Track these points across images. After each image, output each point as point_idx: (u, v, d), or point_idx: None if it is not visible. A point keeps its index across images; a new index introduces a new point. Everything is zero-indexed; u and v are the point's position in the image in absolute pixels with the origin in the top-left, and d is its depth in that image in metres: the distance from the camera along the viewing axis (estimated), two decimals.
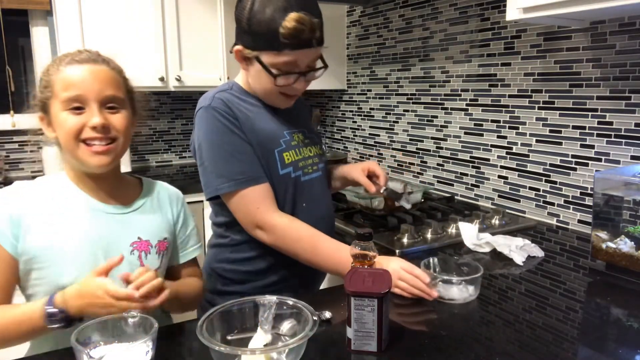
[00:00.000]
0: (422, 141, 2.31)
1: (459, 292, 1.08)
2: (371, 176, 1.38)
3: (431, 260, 1.14)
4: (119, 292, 0.85)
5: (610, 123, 1.55)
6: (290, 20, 1.06)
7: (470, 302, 1.09)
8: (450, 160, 2.16)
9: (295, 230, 1.17)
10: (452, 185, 2.16)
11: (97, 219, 0.99)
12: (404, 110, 2.40)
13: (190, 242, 1.15)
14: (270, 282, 1.27)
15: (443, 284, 1.10)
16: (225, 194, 1.17)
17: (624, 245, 1.24)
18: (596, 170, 1.57)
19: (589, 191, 1.63)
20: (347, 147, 2.89)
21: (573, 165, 1.67)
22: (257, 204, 1.15)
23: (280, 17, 1.06)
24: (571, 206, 1.69)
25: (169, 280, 1.13)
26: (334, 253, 1.15)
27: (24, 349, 0.98)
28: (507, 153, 1.90)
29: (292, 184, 1.23)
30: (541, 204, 1.79)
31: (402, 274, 1.08)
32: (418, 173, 2.35)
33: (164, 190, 1.14)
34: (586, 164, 1.63)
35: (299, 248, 1.16)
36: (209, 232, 1.37)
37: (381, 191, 1.38)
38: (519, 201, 1.87)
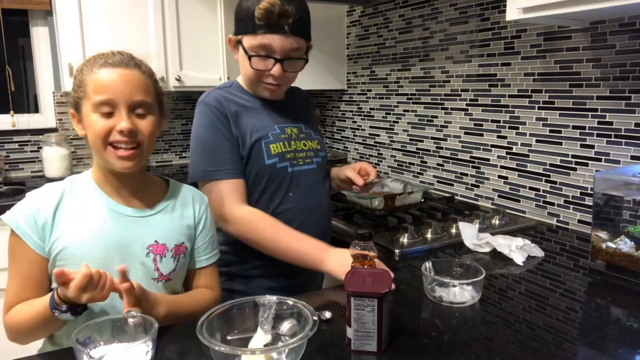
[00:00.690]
0: (422, 141, 2.31)
1: (460, 295, 1.08)
2: (363, 175, 1.44)
3: (427, 264, 1.13)
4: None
5: (610, 123, 1.55)
6: (263, 2, 1.17)
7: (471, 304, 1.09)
8: (450, 160, 2.16)
9: (257, 220, 1.24)
10: (452, 185, 2.16)
11: (115, 221, 1.00)
12: (404, 110, 2.40)
13: (207, 249, 1.14)
14: (256, 265, 1.32)
15: (444, 288, 1.09)
16: (200, 183, 1.26)
17: (624, 245, 1.24)
18: (596, 170, 1.57)
19: (589, 191, 1.63)
20: (347, 147, 2.89)
21: (573, 165, 1.67)
22: (223, 197, 1.24)
23: (258, 2, 1.18)
24: (571, 206, 1.69)
25: (185, 285, 1.14)
26: (294, 241, 1.22)
27: (24, 349, 0.98)
28: (507, 153, 1.90)
29: (277, 174, 1.30)
30: (541, 204, 1.79)
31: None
32: (418, 173, 2.35)
33: (189, 192, 1.14)
34: (586, 164, 1.63)
35: (260, 237, 1.24)
36: None
37: (367, 182, 1.42)
38: (519, 201, 1.87)
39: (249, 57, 1.23)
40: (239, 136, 1.28)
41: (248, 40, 1.23)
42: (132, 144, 0.97)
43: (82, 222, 0.98)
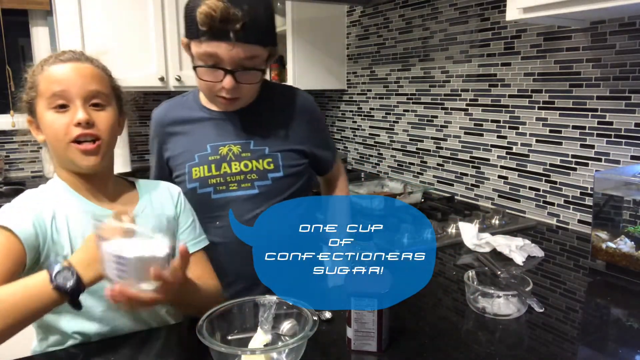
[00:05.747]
0: (422, 141, 2.31)
1: (505, 307, 1.02)
2: None
3: (470, 273, 1.09)
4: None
5: (610, 123, 1.55)
6: (203, 5, 1.00)
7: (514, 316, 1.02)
8: (450, 160, 2.16)
9: None
10: (452, 185, 2.16)
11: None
12: (404, 110, 2.40)
13: (191, 235, 1.09)
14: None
15: (487, 298, 1.04)
16: None
17: (624, 245, 1.24)
18: (596, 170, 1.57)
19: (589, 191, 1.63)
20: (347, 147, 2.89)
21: (573, 165, 1.67)
22: None
23: (200, 2, 1.01)
24: (571, 206, 1.69)
25: None
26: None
27: (23, 349, 0.98)
28: (507, 153, 1.90)
29: (199, 201, 1.18)
30: (541, 204, 1.79)
31: None
32: (418, 173, 2.35)
33: (160, 185, 1.11)
34: (586, 164, 1.63)
35: None
36: None
37: None
38: (519, 201, 1.87)
39: (194, 67, 1.10)
40: (171, 157, 1.23)
41: (194, 47, 1.08)
42: (91, 137, 0.93)
43: (73, 230, 0.94)
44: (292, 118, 1.25)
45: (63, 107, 0.92)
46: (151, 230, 0.80)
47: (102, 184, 1.01)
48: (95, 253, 0.79)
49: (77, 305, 0.80)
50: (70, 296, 0.78)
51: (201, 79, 1.10)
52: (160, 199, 1.09)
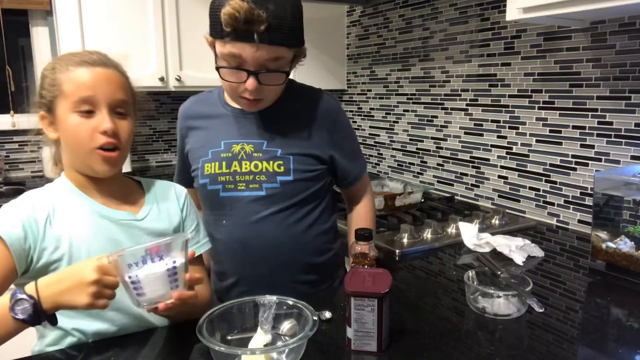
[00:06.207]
0: (422, 141, 2.31)
1: (505, 307, 1.02)
2: None
3: (470, 273, 1.08)
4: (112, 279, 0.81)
5: (610, 123, 1.55)
6: (228, 5, 0.99)
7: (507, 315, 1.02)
8: (450, 160, 2.16)
9: None
10: (452, 185, 2.16)
11: (109, 227, 0.97)
12: (404, 110, 2.40)
13: (195, 238, 1.10)
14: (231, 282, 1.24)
15: (487, 298, 1.03)
16: None
17: (624, 245, 1.24)
18: (596, 170, 1.57)
19: (589, 191, 1.63)
20: None
21: (573, 165, 1.67)
22: None
23: (225, 3, 1.00)
24: (571, 206, 1.69)
25: None
26: None
27: (23, 348, 0.98)
28: (507, 153, 1.90)
29: (209, 197, 1.20)
30: (541, 204, 1.79)
31: None
32: (418, 173, 2.35)
33: (167, 186, 1.11)
34: (586, 164, 1.63)
35: None
36: None
37: None
38: (519, 201, 1.87)
39: (217, 68, 1.10)
40: (189, 150, 1.26)
41: (218, 46, 1.08)
42: (113, 145, 0.94)
43: (75, 230, 0.94)
44: (313, 122, 1.21)
45: (89, 113, 0.93)
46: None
47: (110, 185, 1.01)
48: (72, 281, 0.80)
49: (52, 322, 0.83)
50: (30, 325, 0.81)
51: (224, 79, 1.10)
52: (166, 200, 1.09)
